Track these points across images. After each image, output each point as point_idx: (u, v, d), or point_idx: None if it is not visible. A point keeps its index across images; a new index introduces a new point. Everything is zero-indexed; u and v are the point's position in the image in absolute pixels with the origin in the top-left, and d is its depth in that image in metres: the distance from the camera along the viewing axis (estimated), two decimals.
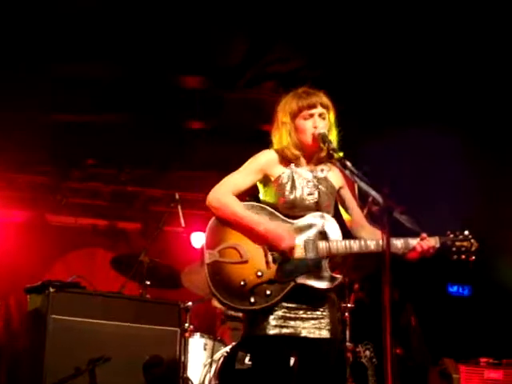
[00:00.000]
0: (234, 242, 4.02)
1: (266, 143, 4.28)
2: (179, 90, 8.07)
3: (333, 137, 4.19)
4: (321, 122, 4.13)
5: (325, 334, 4.02)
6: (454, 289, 9.58)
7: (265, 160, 4.18)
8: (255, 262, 3.98)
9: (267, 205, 4.13)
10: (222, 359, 6.25)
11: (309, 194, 4.14)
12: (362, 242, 4.04)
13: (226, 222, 4.05)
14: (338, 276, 4.01)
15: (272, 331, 3.95)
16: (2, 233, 9.08)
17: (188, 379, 6.20)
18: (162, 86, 7.94)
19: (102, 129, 8.47)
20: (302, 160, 4.20)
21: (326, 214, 4.09)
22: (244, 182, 4.15)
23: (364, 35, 7.05)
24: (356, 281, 6.75)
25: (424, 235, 4.03)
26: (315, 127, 4.11)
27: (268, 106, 4.45)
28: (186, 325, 6.32)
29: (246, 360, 5.98)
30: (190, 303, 6.39)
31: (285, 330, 3.96)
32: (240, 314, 6.06)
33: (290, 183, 4.14)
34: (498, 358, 7.30)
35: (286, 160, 4.18)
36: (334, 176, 4.26)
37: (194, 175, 9.18)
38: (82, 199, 9.61)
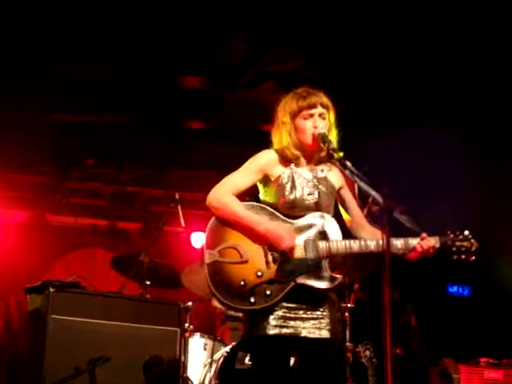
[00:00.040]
0: (234, 241, 4.02)
1: (266, 143, 4.28)
2: (179, 90, 8.07)
3: (333, 137, 4.19)
4: (321, 121, 4.13)
5: (325, 334, 4.01)
6: (454, 289, 9.57)
7: (265, 160, 4.18)
8: (255, 262, 3.98)
9: (267, 205, 4.13)
10: (221, 359, 6.25)
11: (309, 194, 4.14)
12: (362, 242, 4.04)
13: (226, 222, 4.05)
14: (338, 276, 4.01)
15: (272, 331, 3.95)
16: (2, 233, 9.08)
17: (188, 379, 6.20)
18: (162, 85, 7.95)
19: (102, 128, 8.47)
20: (302, 160, 4.20)
21: (326, 214, 4.09)
22: (244, 181, 4.15)
23: (364, 35, 7.05)
24: (356, 281, 6.75)
25: (424, 235, 4.03)
26: (315, 127, 4.11)
27: (268, 105, 4.45)
28: (186, 325, 6.32)
29: (246, 360, 5.98)
30: (190, 303, 6.39)
31: (285, 330, 3.96)
32: (240, 314, 6.05)
33: (290, 183, 4.14)
34: (498, 358, 7.29)
35: (285, 160, 4.18)
36: (334, 176, 4.26)
37: (194, 175, 9.18)
38: (81, 199, 9.61)
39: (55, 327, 5.67)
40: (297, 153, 4.17)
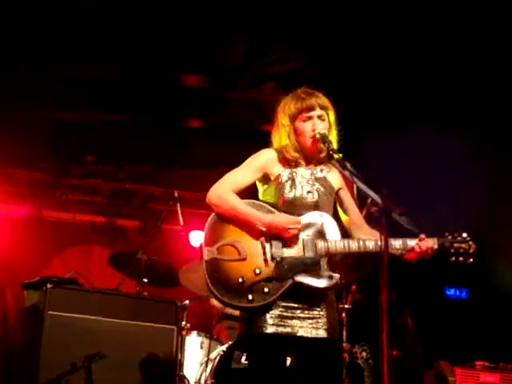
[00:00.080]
0: (233, 239, 4.02)
1: (266, 143, 4.30)
2: (179, 89, 8.08)
3: (333, 137, 4.19)
4: (320, 123, 4.14)
5: (322, 333, 4.01)
6: (451, 291, 9.57)
7: (265, 159, 4.19)
8: (253, 260, 3.98)
9: (266, 203, 4.13)
10: (218, 358, 6.24)
11: (308, 193, 4.15)
12: (361, 242, 4.04)
13: (227, 219, 4.06)
14: (337, 275, 4.01)
15: (269, 330, 3.95)
16: (0, 228, 9.07)
17: (184, 377, 6.20)
18: (162, 84, 7.95)
19: (102, 126, 8.47)
20: (302, 162, 4.21)
21: (325, 214, 4.10)
22: (244, 179, 4.16)
23: (364, 35, 7.05)
24: (353, 282, 6.75)
25: (422, 236, 4.03)
26: (314, 130, 4.12)
27: (268, 105, 4.46)
28: (183, 323, 6.33)
29: (243, 359, 5.97)
30: (187, 301, 6.40)
31: (282, 329, 3.96)
32: (236, 313, 6.06)
33: (289, 182, 4.15)
34: (494, 361, 7.29)
35: (285, 159, 4.19)
36: (334, 177, 4.27)
37: (194, 174, 9.17)
38: (80, 196, 9.60)
39: (52, 323, 5.68)
40: (296, 155, 4.18)
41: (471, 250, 4.10)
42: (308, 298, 4.02)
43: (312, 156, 4.21)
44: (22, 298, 6.29)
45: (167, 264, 7.05)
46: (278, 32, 7.15)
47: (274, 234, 4.01)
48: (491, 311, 8.76)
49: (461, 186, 7.86)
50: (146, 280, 6.63)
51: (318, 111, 4.16)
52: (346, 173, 4.08)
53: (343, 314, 6.39)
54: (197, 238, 8.54)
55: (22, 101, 7.77)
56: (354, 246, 4.04)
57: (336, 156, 4.10)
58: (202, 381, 6.31)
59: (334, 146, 4.14)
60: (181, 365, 6.18)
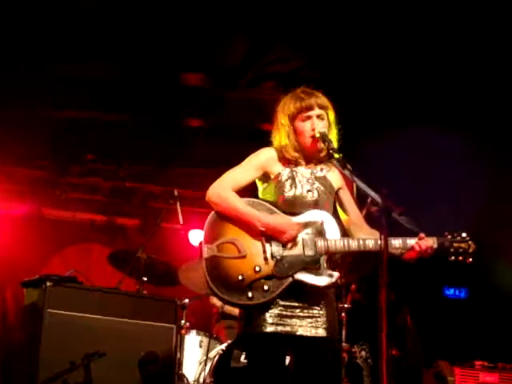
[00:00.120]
0: (233, 236, 4.02)
1: (266, 142, 4.30)
2: (180, 88, 8.08)
3: (333, 136, 4.20)
4: (319, 123, 4.15)
5: (321, 332, 4.01)
6: (450, 291, 9.57)
7: (265, 158, 4.20)
8: (253, 257, 3.98)
9: (266, 202, 4.14)
10: (217, 357, 6.25)
11: (308, 192, 4.16)
12: (361, 241, 4.04)
13: (226, 217, 4.06)
14: (336, 274, 4.01)
15: (268, 329, 3.95)
16: (0, 226, 9.08)
17: (183, 376, 6.21)
18: (162, 84, 7.95)
19: (102, 126, 8.47)
20: (301, 161, 4.22)
21: (325, 212, 4.10)
22: (244, 178, 4.16)
23: (364, 35, 7.05)
24: (353, 281, 6.75)
25: (422, 235, 4.03)
26: (313, 129, 4.13)
27: (268, 105, 4.46)
28: (183, 322, 6.33)
29: (242, 358, 5.98)
30: (186, 300, 6.41)
31: (281, 328, 3.96)
32: (236, 312, 6.06)
33: (289, 181, 4.15)
34: (493, 361, 7.29)
35: (285, 158, 4.20)
36: (334, 176, 4.27)
37: (194, 172, 9.18)
38: (80, 194, 9.61)
39: (51, 321, 5.69)
40: (296, 155, 4.18)
41: (470, 250, 4.10)
42: (308, 297, 4.02)
43: (312, 155, 4.22)
44: (21, 296, 6.29)
45: (167, 263, 7.05)
46: (277, 32, 7.16)
47: (271, 235, 4.02)
48: (490, 311, 8.76)
49: (461, 186, 7.87)
50: (145, 278, 6.64)
51: (317, 111, 4.17)
52: (346, 172, 4.08)
53: (343, 314, 6.39)
54: (196, 236, 8.55)
55: (22, 101, 7.78)
56: (353, 244, 4.04)
57: (336, 155, 4.10)
58: (201, 379, 6.31)
59: (334, 145, 4.15)
60: (180, 363, 6.19)
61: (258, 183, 4.26)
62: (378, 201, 3.72)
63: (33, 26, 6.96)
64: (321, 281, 3.98)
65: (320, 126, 4.13)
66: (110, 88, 7.90)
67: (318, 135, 4.11)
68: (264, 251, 3.99)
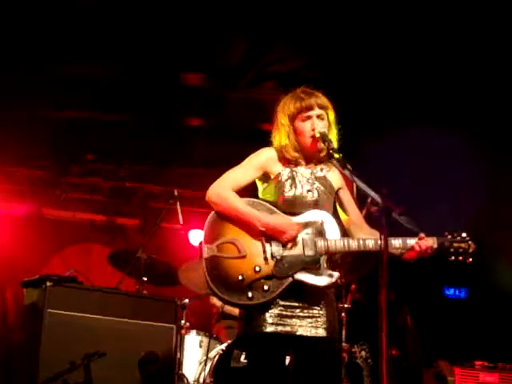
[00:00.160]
0: (233, 236, 4.02)
1: (266, 142, 4.31)
2: (180, 88, 8.08)
3: (333, 136, 4.20)
4: (319, 123, 4.15)
5: (321, 332, 4.01)
6: (450, 291, 9.57)
7: (265, 158, 4.20)
8: (253, 257, 3.98)
9: (266, 202, 4.13)
10: (217, 357, 6.25)
11: (308, 192, 4.16)
12: (361, 241, 4.04)
13: (226, 217, 4.05)
14: (336, 273, 4.01)
15: (268, 329, 3.95)
16: (0, 226, 9.08)
17: (183, 376, 6.21)
18: (162, 84, 7.95)
19: (102, 126, 8.47)
20: (301, 161, 4.22)
21: (325, 212, 4.11)
22: (244, 177, 4.16)
23: (364, 35, 7.05)
24: (353, 282, 6.75)
25: (422, 235, 4.03)
26: (313, 129, 4.13)
27: (268, 105, 4.47)
28: (183, 322, 6.33)
29: (242, 358, 5.98)
30: (186, 300, 6.41)
31: (281, 328, 3.96)
32: (236, 312, 6.06)
33: (289, 181, 4.16)
34: (493, 361, 7.29)
35: (285, 158, 4.20)
36: (334, 176, 4.28)
37: (194, 172, 9.18)
38: (80, 194, 9.61)
39: (51, 321, 5.69)
40: (296, 154, 4.19)
41: (470, 250, 4.10)
42: (308, 297, 4.02)
43: (312, 155, 4.22)
44: (21, 296, 6.29)
45: (167, 263, 7.05)
46: (277, 32, 7.16)
47: (271, 235, 4.01)
48: (490, 311, 8.77)
49: (461, 186, 7.87)
50: (145, 278, 6.64)
51: (317, 111, 4.17)
52: (346, 172, 4.08)
53: (343, 314, 6.39)
54: (196, 236, 8.55)
55: (22, 101, 7.78)
56: (353, 244, 4.04)
57: (336, 155, 4.10)
58: (201, 379, 6.31)
59: (334, 145, 4.15)
60: (180, 363, 6.19)
61: (258, 183, 4.26)
62: (377, 201, 3.72)
63: (33, 26, 6.96)
64: (321, 281, 3.98)
65: (320, 126, 4.13)
66: (110, 88, 7.90)
67: (318, 135, 4.12)
68: (264, 251, 3.99)
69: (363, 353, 6.41)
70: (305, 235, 4.03)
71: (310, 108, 4.16)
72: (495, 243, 7.12)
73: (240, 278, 3.93)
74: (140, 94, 8.03)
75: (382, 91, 7.65)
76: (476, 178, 7.66)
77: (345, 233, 4.20)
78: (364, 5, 6.71)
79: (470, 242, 4.10)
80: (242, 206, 4.05)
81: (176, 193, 7.23)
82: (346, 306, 6.49)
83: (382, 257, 3.56)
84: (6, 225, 9.07)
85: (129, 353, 5.82)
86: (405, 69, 7.35)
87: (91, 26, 6.96)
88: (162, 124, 8.53)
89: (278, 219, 4.03)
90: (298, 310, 4.01)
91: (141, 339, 5.92)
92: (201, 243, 4.01)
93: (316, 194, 4.16)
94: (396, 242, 4.02)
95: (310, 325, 4.01)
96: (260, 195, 4.26)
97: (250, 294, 3.91)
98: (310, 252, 4.00)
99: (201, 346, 6.62)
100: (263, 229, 4.00)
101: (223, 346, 6.30)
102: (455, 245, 4.10)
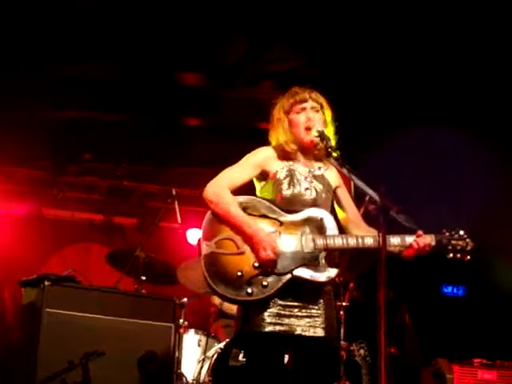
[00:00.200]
0: (231, 233, 4.02)
1: (264, 141, 4.32)
2: (178, 88, 8.08)
3: (330, 134, 4.21)
4: (315, 115, 4.18)
5: (319, 332, 4.02)
6: (448, 289, 9.58)
7: (262, 156, 4.21)
8: (252, 254, 3.97)
9: (265, 200, 4.14)
10: (215, 356, 6.25)
11: (306, 190, 4.16)
12: (359, 239, 4.05)
13: (218, 217, 4.04)
14: (335, 270, 4.01)
15: (266, 328, 3.95)
16: (0, 226, 9.08)
17: (182, 375, 6.21)
18: (160, 83, 7.95)
19: (101, 126, 8.48)
20: (300, 155, 4.24)
21: (323, 210, 4.11)
22: (241, 176, 4.17)
23: (364, 35, 7.05)
24: (351, 280, 6.76)
25: (420, 232, 4.05)
26: (308, 119, 4.16)
27: (266, 104, 4.47)
28: (181, 321, 6.33)
29: (240, 357, 5.98)
30: (185, 299, 6.41)
31: (279, 328, 3.96)
32: (234, 311, 6.06)
33: (287, 179, 4.17)
34: (491, 358, 7.30)
35: (283, 156, 4.21)
36: (332, 175, 4.29)
37: (192, 171, 9.17)
38: (78, 193, 9.61)
39: (49, 321, 5.68)
40: (294, 147, 4.20)
41: (468, 248, 4.12)
42: (306, 297, 4.02)
43: (309, 149, 4.23)
44: (19, 296, 6.28)
45: (165, 262, 7.05)
46: (277, 31, 7.16)
47: (253, 245, 3.98)
48: (488, 309, 8.78)
49: (461, 186, 7.87)
50: (144, 278, 6.64)
51: (311, 103, 4.22)
52: (344, 170, 4.08)
53: (341, 312, 6.40)
54: (194, 235, 8.55)
55: (22, 101, 7.77)
56: (352, 242, 4.04)
57: (334, 154, 4.11)
58: (200, 378, 6.32)
59: (332, 143, 4.16)
60: (178, 362, 6.19)
61: (256, 182, 4.26)
62: (375, 199, 3.73)
63: (33, 26, 6.95)
64: (319, 277, 3.99)
65: (316, 119, 4.17)
66: (110, 88, 7.90)
67: (316, 134, 4.12)
68: None
69: (362, 351, 6.41)
70: (304, 232, 4.04)
71: (304, 100, 4.22)
72: (495, 243, 7.13)
73: (239, 274, 3.93)
74: (139, 93, 8.02)
75: (382, 91, 7.65)
76: (476, 178, 7.66)
77: (342, 231, 4.21)
78: (364, 5, 6.71)
79: (467, 240, 4.13)
80: (234, 209, 4.02)
81: (174, 192, 7.24)
82: (344, 304, 6.50)
83: (380, 255, 3.56)
84: (5, 225, 9.07)
85: (127, 352, 5.81)
86: (404, 68, 7.35)
87: (91, 26, 6.96)
88: (160, 123, 8.53)
89: (268, 237, 3.99)
90: (296, 310, 4.01)
91: (139, 338, 5.91)
92: (199, 241, 4.01)
93: (314, 193, 4.17)
94: (394, 240, 4.03)
95: (308, 324, 4.01)
96: (258, 194, 4.26)
97: (249, 290, 3.91)
98: (308, 249, 4.00)
99: (199, 345, 6.62)
100: (251, 235, 3.98)
101: (221, 345, 6.30)
102: (453, 242, 4.11)
